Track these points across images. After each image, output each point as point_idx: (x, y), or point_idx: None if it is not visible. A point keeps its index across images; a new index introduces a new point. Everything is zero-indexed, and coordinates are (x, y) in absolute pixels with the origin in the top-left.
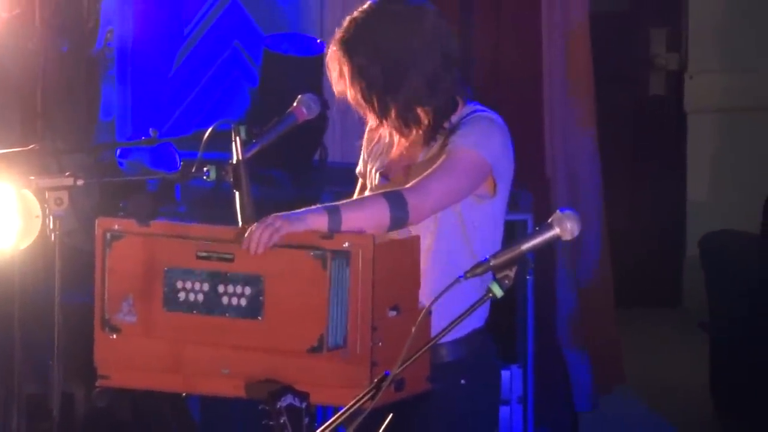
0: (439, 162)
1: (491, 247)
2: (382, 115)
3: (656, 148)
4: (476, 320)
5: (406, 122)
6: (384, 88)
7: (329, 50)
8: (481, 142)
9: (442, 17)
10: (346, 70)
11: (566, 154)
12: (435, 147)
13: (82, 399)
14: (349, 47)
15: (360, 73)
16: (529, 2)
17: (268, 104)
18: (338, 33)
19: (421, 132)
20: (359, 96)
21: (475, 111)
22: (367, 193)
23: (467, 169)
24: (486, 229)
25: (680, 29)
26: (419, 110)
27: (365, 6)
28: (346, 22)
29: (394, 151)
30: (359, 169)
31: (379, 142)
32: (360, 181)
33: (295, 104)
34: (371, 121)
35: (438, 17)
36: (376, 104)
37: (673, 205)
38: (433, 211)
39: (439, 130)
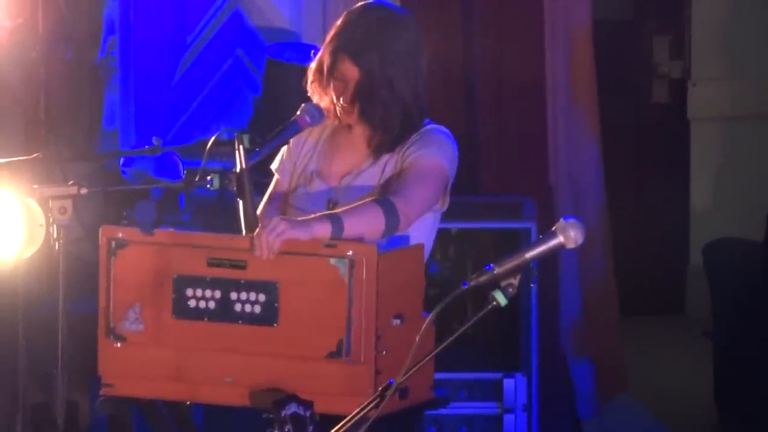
0: (409, 171)
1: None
2: (383, 118)
3: (659, 156)
4: None
5: (394, 130)
6: (389, 91)
7: (322, 54)
8: (443, 153)
9: (421, 26)
10: (348, 74)
11: (570, 162)
12: (384, 157)
13: (87, 408)
14: (352, 51)
15: (367, 76)
16: (532, 10)
17: (270, 113)
18: (336, 38)
19: (376, 145)
20: (361, 99)
21: (428, 124)
22: (302, 191)
23: (436, 176)
24: (423, 241)
25: (683, 37)
26: (405, 119)
27: (352, 14)
28: (341, 28)
29: (338, 155)
30: (278, 165)
31: (308, 141)
32: (276, 177)
33: (298, 113)
34: (372, 128)
35: (419, 25)
36: (380, 107)
37: (676, 212)
38: (417, 217)
39: (399, 144)
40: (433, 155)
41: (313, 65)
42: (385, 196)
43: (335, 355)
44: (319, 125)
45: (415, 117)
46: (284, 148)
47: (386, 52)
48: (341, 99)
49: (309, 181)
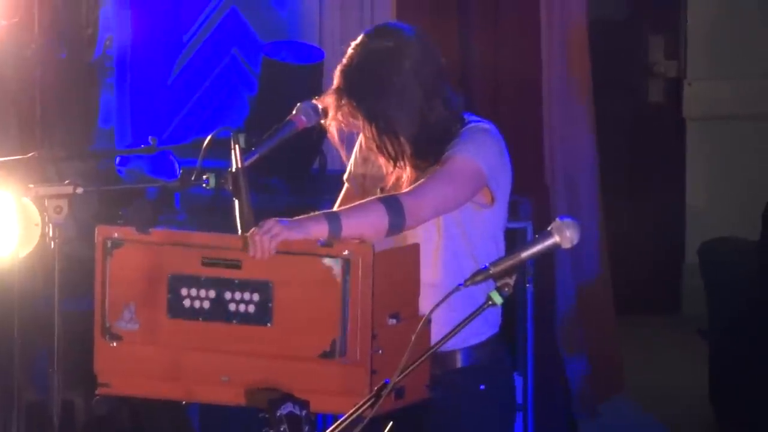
0: (436, 169)
1: (494, 255)
2: (397, 153)
3: (655, 156)
4: (492, 327)
5: (420, 155)
6: (396, 123)
7: (330, 94)
8: (475, 150)
9: (428, 40)
10: (352, 113)
11: (565, 161)
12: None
13: (82, 407)
14: (354, 94)
15: (372, 116)
16: (528, 7)
17: (266, 112)
18: (338, 82)
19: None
20: (374, 139)
21: (470, 122)
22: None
23: (461, 174)
24: (486, 239)
25: (679, 37)
26: (430, 138)
27: (355, 48)
28: (341, 70)
29: (395, 168)
30: (348, 175)
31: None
32: (346, 186)
33: (294, 112)
34: (387, 166)
35: (425, 42)
36: (390, 144)
37: (672, 212)
38: (429, 216)
39: (444, 152)
40: (463, 152)
41: (327, 108)
42: (395, 193)
43: (329, 355)
44: None
45: (439, 130)
46: (352, 160)
47: (381, 86)
48: (364, 133)
49: (370, 194)
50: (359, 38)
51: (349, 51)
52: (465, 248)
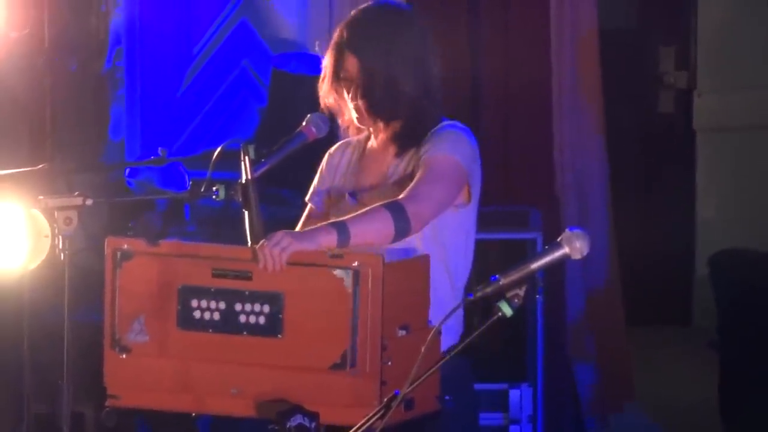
0: (422, 171)
1: (463, 260)
2: (388, 116)
3: (665, 167)
4: (451, 337)
5: (407, 125)
6: (392, 86)
7: (329, 53)
8: (455, 149)
9: (430, 34)
10: (352, 70)
11: (576, 171)
12: (403, 163)
13: (92, 419)
14: (356, 47)
15: (368, 72)
16: (538, 15)
17: (276, 123)
18: (340, 35)
19: (396, 143)
20: (364, 95)
21: (443, 123)
22: (333, 212)
23: (451, 173)
24: (458, 240)
25: (689, 47)
26: (416, 114)
27: (361, 10)
28: (345, 25)
29: (367, 171)
30: (310, 195)
31: (341, 165)
32: (309, 206)
33: (304, 123)
34: (366, 125)
35: (428, 28)
36: (387, 101)
37: (682, 223)
38: (430, 218)
39: (419, 141)
40: (444, 151)
41: (323, 69)
42: (395, 198)
43: (339, 366)
44: (350, 147)
45: (429, 110)
46: (315, 179)
47: (389, 49)
48: (352, 98)
49: (338, 202)
50: (360, 7)
51: (350, 16)
52: (437, 251)
